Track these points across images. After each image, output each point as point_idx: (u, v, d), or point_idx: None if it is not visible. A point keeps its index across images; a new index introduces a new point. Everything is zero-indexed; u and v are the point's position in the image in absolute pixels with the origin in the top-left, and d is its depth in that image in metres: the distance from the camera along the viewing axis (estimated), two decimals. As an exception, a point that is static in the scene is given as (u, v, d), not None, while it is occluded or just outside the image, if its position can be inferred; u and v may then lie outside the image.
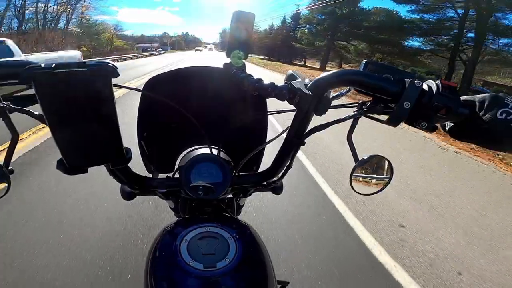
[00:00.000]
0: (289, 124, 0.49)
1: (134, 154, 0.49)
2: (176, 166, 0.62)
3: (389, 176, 0.48)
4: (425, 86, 0.37)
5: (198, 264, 0.40)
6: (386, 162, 0.48)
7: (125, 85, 0.51)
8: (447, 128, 0.41)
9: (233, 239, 0.45)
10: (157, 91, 0.54)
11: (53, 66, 0.32)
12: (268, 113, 0.62)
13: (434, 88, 0.37)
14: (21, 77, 0.33)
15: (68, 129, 0.36)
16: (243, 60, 0.45)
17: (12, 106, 0.40)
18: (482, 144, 0.38)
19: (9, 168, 0.40)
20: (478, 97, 0.37)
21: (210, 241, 0.45)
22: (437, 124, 0.39)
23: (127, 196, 0.57)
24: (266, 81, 0.42)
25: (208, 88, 0.56)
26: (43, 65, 0.33)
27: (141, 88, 0.54)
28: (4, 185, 0.41)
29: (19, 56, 4.69)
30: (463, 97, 0.38)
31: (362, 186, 0.48)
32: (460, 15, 16.82)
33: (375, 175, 0.48)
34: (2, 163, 0.40)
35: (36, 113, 0.40)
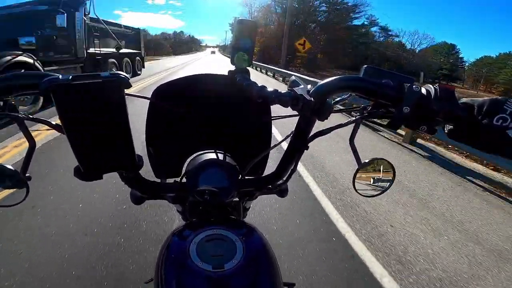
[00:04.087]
0: (288, 132, 0.50)
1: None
2: (184, 171, 0.64)
3: (390, 178, 0.49)
4: (423, 91, 0.38)
5: (207, 265, 0.42)
6: (388, 165, 0.49)
7: (134, 93, 0.53)
8: (446, 130, 0.42)
9: (240, 241, 0.46)
10: (165, 98, 0.56)
11: (70, 78, 0.34)
12: (272, 118, 0.63)
13: (432, 93, 0.38)
14: (40, 88, 0.34)
15: (85, 138, 0.38)
16: (247, 68, 0.46)
17: (30, 116, 0.42)
18: (479, 148, 0.38)
19: (27, 175, 0.42)
20: (478, 100, 0.37)
21: (218, 243, 0.47)
22: (436, 128, 0.40)
23: (136, 200, 0.59)
24: (269, 88, 0.43)
25: (213, 94, 0.57)
26: (60, 77, 0.35)
27: (149, 96, 0.56)
28: (23, 190, 0.43)
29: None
30: (463, 100, 0.39)
31: (364, 188, 0.49)
32: None
33: (377, 178, 0.49)
34: (19, 170, 0.42)
35: (53, 123, 0.42)
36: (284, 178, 0.58)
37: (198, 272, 0.42)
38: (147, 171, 0.63)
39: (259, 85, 0.42)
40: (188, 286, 0.42)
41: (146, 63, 13.29)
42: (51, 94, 0.34)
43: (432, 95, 0.38)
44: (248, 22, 0.43)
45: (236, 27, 0.42)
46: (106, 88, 0.35)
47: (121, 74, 0.36)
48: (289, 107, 0.43)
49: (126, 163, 0.43)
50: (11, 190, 0.44)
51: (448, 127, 0.41)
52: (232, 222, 0.58)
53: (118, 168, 0.44)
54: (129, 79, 0.37)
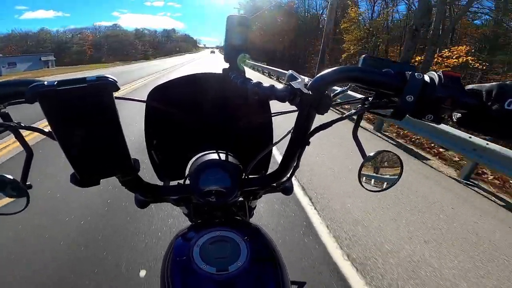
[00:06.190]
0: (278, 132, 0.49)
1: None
2: (186, 173, 0.63)
3: (398, 171, 0.47)
4: (426, 78, 0.37)
5: (211, 268, 0.41)
6: (395, 158, 0.47)
7: (128, 96, 0.52)
8: (454, 119, 0.40)
9: (244, 242, 0.46)
10: (161, 100, 0.55)
11: (55, 83, 0.33)
12: (272, 114, 0.62)
13: (436, 79, 0.36)
14: (26, 95, 0.34)
15: (76, 144, 0.37)
16: (242, 64, 0.45)
17: (23, 124, 0.42)
18: (490, 135, 0.36)
19: (27, 183, 0.42)
20: (485, 86, 0.36)
21: (221, 245, 0.46)
22: (443, 116, 0.38)
23: (140, 204, 0.59)
24: (265, 83, 0.42)
25: (210, 93, 0.56)
26: (45, 82, 0.34)
27: (145, 98, 0.55)
28: (24, 199, 0.43)
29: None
30: (469, 86, 0.37)
31: (370, 182, 0.47)
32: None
33: (383, 171, 0.47)
34: (19, 179, 0.42)
35: (46, 130, 0.42)
36: (288, 176, 0.57)
37: (202, 275, 0.41)
38: (152, 175, 0.63)
39: (254, 81, 0.41)
40: None
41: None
42: (38, 100, 0.33)
43: (437, 82, 0.36)
44: (238, 18, 0.41)
45: (227, 23, 0.41)
46: (92, 92, 0.34)
47: (109, 77, 0.35)
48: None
49: (121, 167, 0.43)
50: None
51: (456, 115, 0.39)
52: (236, 223, 0.58)
53: (113, 173, 0.43)
54: (116, 81, 0.36)
